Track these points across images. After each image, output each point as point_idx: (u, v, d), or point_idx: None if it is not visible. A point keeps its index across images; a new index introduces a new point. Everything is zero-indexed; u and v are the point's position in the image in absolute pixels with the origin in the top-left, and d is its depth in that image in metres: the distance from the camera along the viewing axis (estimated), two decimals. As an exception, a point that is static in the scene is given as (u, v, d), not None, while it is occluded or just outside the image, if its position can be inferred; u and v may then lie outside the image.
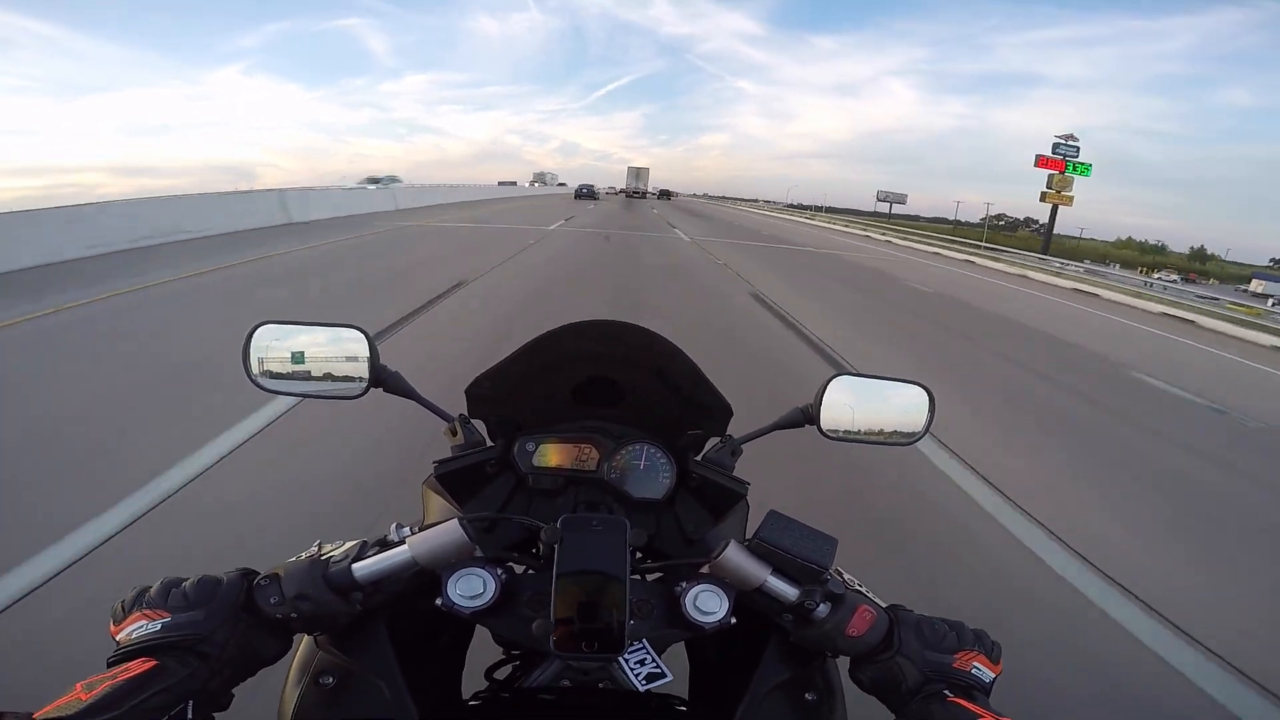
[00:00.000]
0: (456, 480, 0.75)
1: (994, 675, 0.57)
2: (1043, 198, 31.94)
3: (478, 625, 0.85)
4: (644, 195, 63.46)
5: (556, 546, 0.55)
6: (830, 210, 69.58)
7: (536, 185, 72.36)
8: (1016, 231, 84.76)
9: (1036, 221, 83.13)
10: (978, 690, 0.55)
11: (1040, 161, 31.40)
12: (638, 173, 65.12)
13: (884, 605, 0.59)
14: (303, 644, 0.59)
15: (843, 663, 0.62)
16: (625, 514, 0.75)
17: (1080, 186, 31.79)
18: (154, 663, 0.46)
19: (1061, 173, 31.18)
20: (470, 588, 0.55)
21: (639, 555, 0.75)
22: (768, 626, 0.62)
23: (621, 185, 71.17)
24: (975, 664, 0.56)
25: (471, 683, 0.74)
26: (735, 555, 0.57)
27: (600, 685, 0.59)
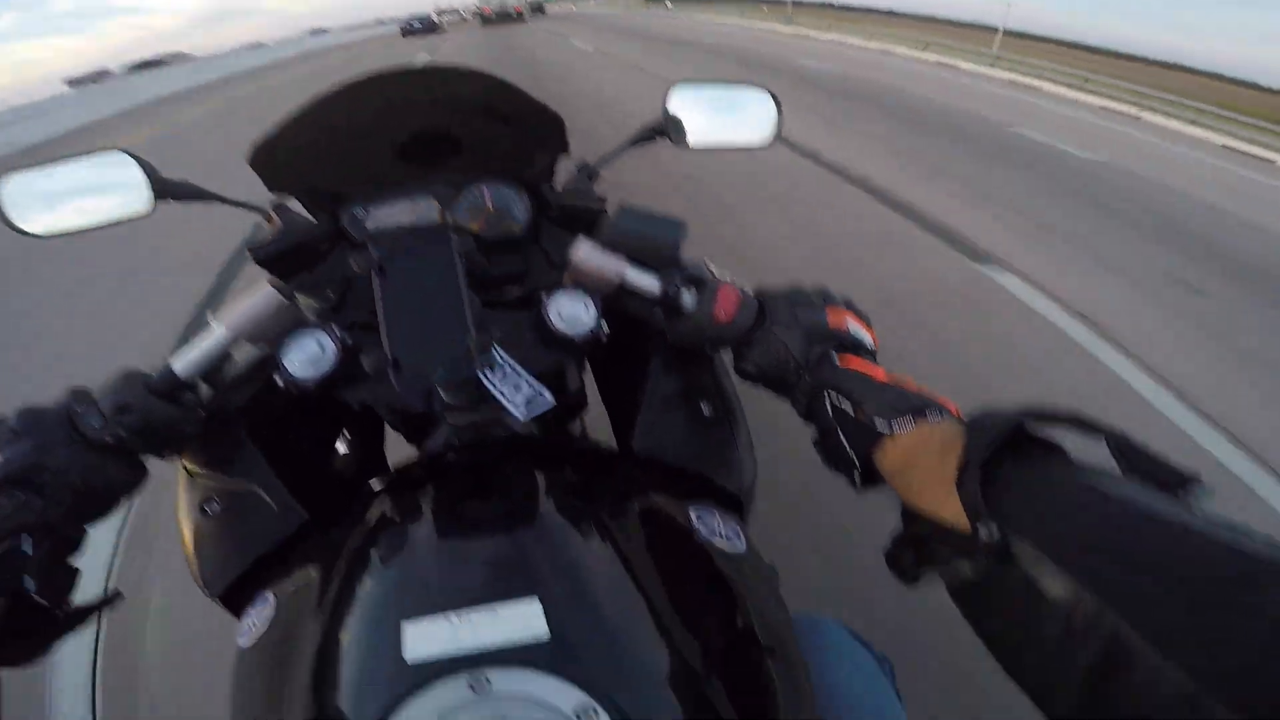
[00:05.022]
0: (283, 266, 0.65)
1: (873, 344, 0.53)
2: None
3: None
4: (521, 15, 30.44)
5: (375, 277, 0.50)
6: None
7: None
8: None
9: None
10: (864, 349, 0.52)
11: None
12: None
13: (750, 290, 0.57)
14: (180, 483, 0.56)
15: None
16: (485, 257, 0.67)
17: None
18: None
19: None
20: (305, 351, 0.51)
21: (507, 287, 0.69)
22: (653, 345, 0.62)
23: (472, 3, 36.36)
24: (849, 321, 0.53)
25: None
26: (586, 251, 0.56)
27: (493, 430, 0.54)
